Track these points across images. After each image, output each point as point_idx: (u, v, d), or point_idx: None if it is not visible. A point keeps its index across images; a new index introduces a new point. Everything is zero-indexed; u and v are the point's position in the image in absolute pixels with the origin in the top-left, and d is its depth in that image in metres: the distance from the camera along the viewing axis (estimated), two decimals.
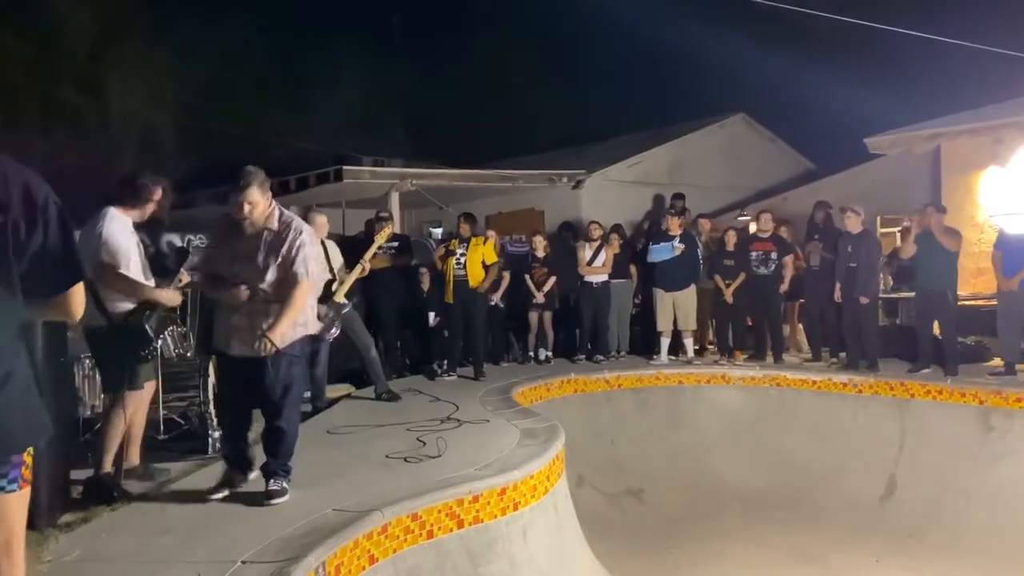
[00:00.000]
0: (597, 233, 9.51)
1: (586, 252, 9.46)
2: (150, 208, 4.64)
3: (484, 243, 8.47)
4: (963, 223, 8.92)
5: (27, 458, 2.12)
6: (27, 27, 17.34)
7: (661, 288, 9.20)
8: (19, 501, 2.12)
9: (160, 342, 4.62)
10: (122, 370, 4.38)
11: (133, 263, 4.44)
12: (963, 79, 13.43)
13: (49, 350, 3.90)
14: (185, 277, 4.94)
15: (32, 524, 3.73)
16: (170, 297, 4.56)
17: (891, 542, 6.76)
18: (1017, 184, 9.66)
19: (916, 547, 6.67)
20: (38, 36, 17.58)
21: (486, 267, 8.37)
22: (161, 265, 4.83)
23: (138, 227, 4.62)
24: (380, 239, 7.03)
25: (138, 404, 4.59)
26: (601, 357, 9.33)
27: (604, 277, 9.38)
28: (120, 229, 4.42)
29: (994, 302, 8.03)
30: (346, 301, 6.69)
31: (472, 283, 8.26)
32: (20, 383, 2.06)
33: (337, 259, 6.96)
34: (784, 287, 9.03)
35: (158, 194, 4.63)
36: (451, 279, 8.29)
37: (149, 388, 4.76)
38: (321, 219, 7.06)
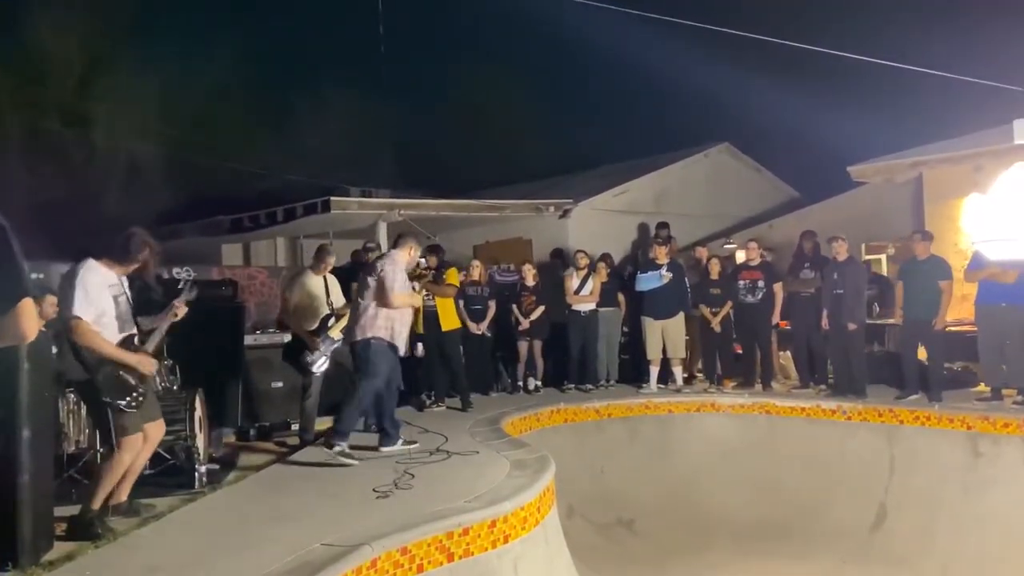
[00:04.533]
0: (584, 262, 9.54)
1: (573, 281, 9.49)
2: (134, 266, 4.58)
3: (447, 271, 8.53)
4: (946, 250, 9.00)
5: None
6: (13, 59, 17.36)
7: (649, 316, 9.23)
8: None
9: (145, 387, 4.52)
10: (108, 419, 4.33)
11: (106, 316, 4.35)
12: (944, 108, 13.63)
13: (32, 384, 3.88)
14: (181, 311, 4.90)
15: (16, 561, 3.68)
16: (141, 362, 4.45)
17: (882, 571, 6.75)
18: (998, 210, 9.78)
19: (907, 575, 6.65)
20: (24, 69, 17.60)
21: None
22: (148, 299, 4.80)
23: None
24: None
25: (139, 448, 4.51)
26: (590, 386, 9.32)
27: (592, 306, 9.40)
28: (94, 281, 4.33)
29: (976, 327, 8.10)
30: (340, 335, 6.67)
31: (441, 314, 8.30)
32: None
33: (337, 295, 6.98)
34: (776, 316, 9.06)
35: (144, 254, 4.55)
36: (421, 309, 8.29)
37: (156, 429, 4.67)
38: (332, 259, 7.19)
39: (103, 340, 4.30)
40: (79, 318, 4.22)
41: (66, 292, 4.26)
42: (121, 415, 4.34)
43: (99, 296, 4.33)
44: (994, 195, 9.87)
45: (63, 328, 4.29)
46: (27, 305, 2.05)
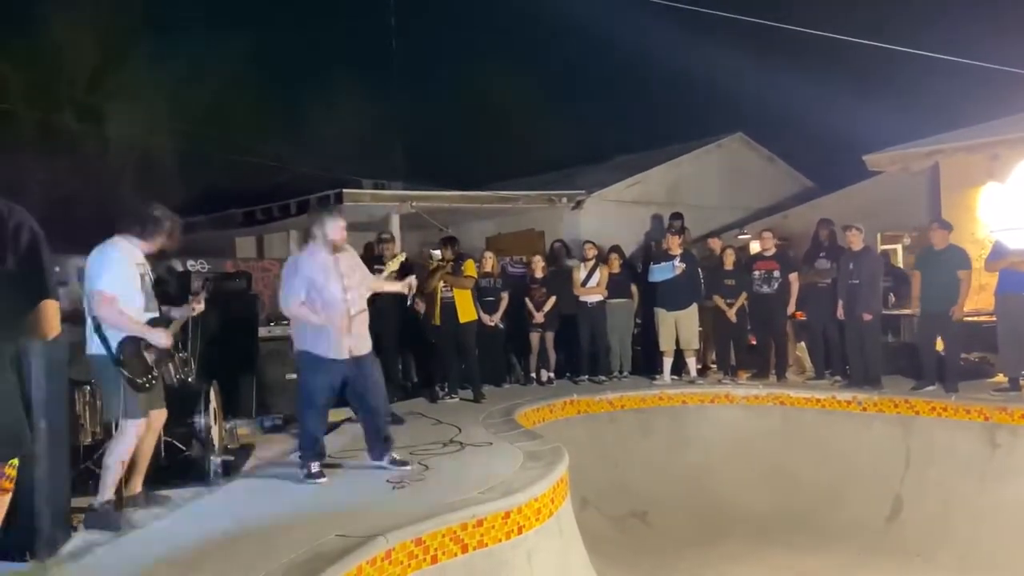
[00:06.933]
0: (591, 253, 9.52)
1: (580, 273, 9.46)
2: (159, 243, 4.63)
3: (465, 263, 8.53)
4: (963, 239, 8.92)
5: (8, 469, 2.36)
6: (27, 54, 17.45)
7: (663, 308, 9.19)
8: None
9: (159, 370, 4.56)
10: (118, 399, 4.36)
11: (133, 294, 4.40)
12: (960, 96, 13.49)
13: (49, 376, 3.90)
14: (199, 307, 4.93)
15: (33, 552, 3.71)
16: (159, 338, 4.48)
17: (898, 563, 6.71)
18: (1015, 200, 9.68)
19: (924, 567, 6.62)
20: (38, 63, 17.69)
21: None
22: (163, 291, 4.82)
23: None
24: (392, 266, 6.69)
25: (144, 433, 4.55)
26: (603, 378, 9.30)
27: (599, 297, 9.37)
28: (122, 259, 4.39)
29: (995, 318, 8.02)
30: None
31: (459, 306, 8.29)
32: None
33: None
34: (791, 307, 8.99)
35: (166, 229, 4.60)
36: (438, 301, 8.30)
37: (159, 417, 4.71)
38: None
39: (126, 316, 4.35)
40: (106, 293, 4.26)
41: (93, 267, 4.29)
42: (130, 396, 4.37)
43: (126, 271, 4.38)
44: (1012, 184, 9.77)
45: (87, 303, 4.32)
46: (49, 306, 2.27)
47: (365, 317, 5.36)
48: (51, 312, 2.28)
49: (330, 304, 5.12)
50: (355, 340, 5.23)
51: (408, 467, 5.35)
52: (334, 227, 5.16)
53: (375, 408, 5.43)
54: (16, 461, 2.38)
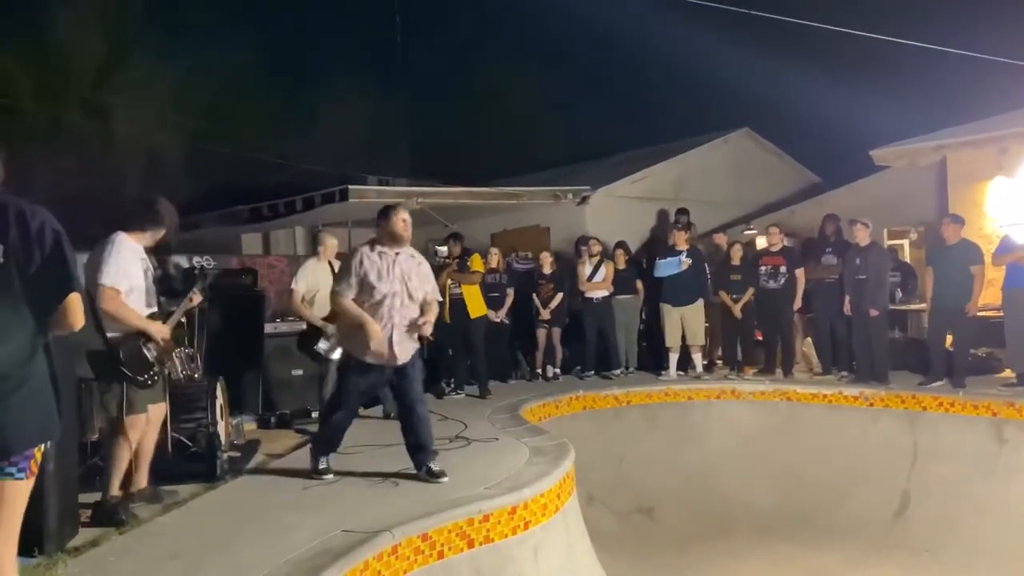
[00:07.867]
0: (596, 249, 9.51)
1: (585, 268, 9.45)
2: (160, 233, 4.65)
3: (471, 258, 8.57)
4: (970, 234, 8.86)
5: (37, 453, 2.44)
6: (32, 50, 17.49)
7: (668, 303, 9.18)
8: (25, 488, 2.43)
9: (161, 367, 4.56)
10: (119, 395, 4.37)
11: (136, 289, 4.42)
12: (968, 90, 13.42)
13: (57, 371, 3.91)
14: (196, 298, 4.94)
15: (41, 548, 3.73)
16: (159, 331, 4.49)
17: (905, 559, 6.69)
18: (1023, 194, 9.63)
19: (930, 564, 6.59)
20: (43, 60, 17.73)
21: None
22: (169, 287, 4.84)
23: (146, 250, 4.62)
24: None
25: (144, 428, 4.57)
26: (618, 372, 9.30)
27: (604, 293, 9.36)
28: (127, 254, 4.40)
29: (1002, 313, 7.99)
30: None
31: (468, 301, 8.30)
32: (35, 387, 2.37)
33: None
34: (797, 302, 8.96)
35: (168, 219, 4.62)
36: (447, 298, 8.30)
37: (158, 411, 4.73)
38: (332, 241, 7.15)
39: (129, 310, 4.36)
40: (111, 288, 4.27)
41: (98, 262, 4.30)
42: (132, 391, 4.38)
43: (131, 268, 4.40)
44: (1020, 178, 9.72)
45: (92, 299, 4.33)
46: (75, 299, 2.42)
47: (413, 325, 5.03)
48: (76, 305, 2.42)
49: (376, 305, 4.93)
50: (397, 348, 4.95)
51: (445, 479, 4.95)
52: (396, 219, 5.03)
53: (410, 410, 5.11)
54: (43, 447, 2.47)
